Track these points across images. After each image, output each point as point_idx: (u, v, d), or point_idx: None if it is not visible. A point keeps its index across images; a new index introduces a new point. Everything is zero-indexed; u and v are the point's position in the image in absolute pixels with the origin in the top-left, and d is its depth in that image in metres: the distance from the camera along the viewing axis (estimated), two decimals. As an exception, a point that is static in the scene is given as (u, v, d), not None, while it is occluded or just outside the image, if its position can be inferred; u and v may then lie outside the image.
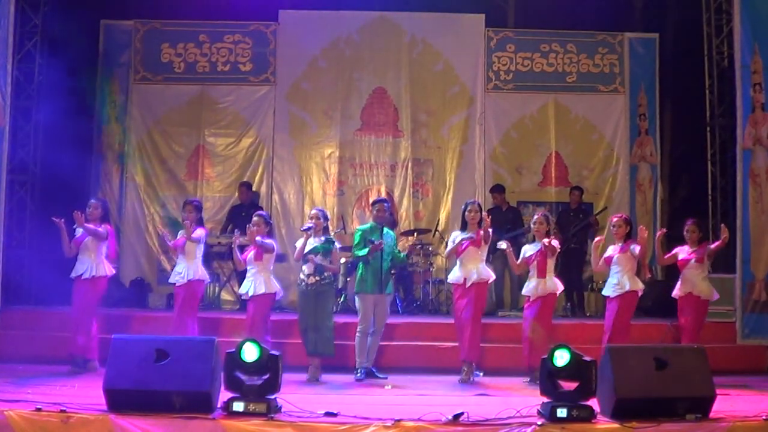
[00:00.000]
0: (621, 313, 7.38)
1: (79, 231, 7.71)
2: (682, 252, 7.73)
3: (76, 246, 7.69)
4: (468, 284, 7.41)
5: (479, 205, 7.71)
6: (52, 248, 7.84)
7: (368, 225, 7.83)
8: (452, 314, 7.83)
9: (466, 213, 7.55)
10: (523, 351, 7.47)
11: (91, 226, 7.63)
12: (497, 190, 10.74)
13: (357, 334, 7.54)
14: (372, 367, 7.55)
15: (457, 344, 7.60)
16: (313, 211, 7.69)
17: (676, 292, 7.72)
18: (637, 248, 7.40)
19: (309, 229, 7.48)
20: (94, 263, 7.65)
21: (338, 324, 8.29)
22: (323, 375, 7.49)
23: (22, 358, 7.62)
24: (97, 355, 7.56)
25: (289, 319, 8.24)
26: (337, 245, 7.75)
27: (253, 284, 7.48)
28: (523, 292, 7.69)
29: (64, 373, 7.34)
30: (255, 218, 7.64)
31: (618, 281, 7.45)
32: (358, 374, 7.47)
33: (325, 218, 7.66)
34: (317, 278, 7.42)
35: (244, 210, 9.88)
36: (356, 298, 7.68)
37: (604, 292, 7.65)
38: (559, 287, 7.59)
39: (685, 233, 7.76)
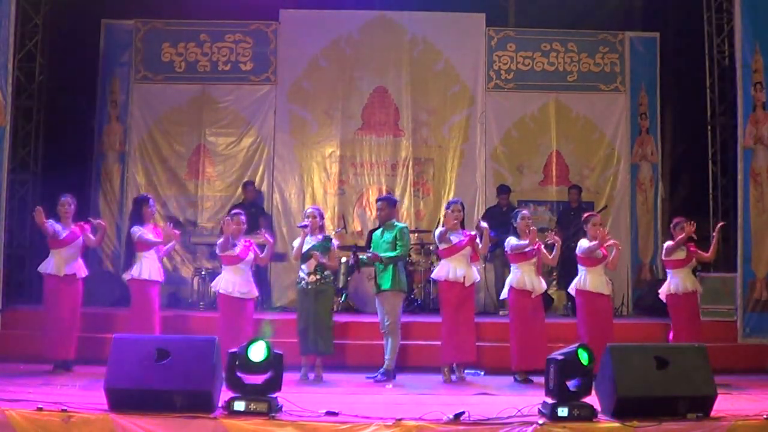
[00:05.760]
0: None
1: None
2: (681, 252, 7.71)
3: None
4: (468, 284, 7.41)
5: (462, 204, 7.72)
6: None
7: (378, 228, 7.85)
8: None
9: (449, 212, 7.54)
10: (511, 350, 7.47)
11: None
12: (504, 191, 10.71)
13: None
14: (391, 369, 7.44)
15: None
16: (310, 210, 7.70)
17: (668, 292, 7.69)
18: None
19: (305, 226, 7.50)
20: (69, 262, 7.62)
21: (338, 323, 8.28)
22: (324, 374, 7.48)
23: (23, 357, 7.63)
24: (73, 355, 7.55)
25: (289, 319, 8.23)
26: (336, 242, 7.76)
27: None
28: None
29: (66, 372, 7.35)
30: (238, 218, 7.59)
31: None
32: (378, 376, 7.41)
33: (321, 216, 7.67)
34: (317, 277, 7.42)
35: (245, 209, 9.86)
36: None
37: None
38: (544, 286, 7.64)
39: (672, 231, 7.80)
